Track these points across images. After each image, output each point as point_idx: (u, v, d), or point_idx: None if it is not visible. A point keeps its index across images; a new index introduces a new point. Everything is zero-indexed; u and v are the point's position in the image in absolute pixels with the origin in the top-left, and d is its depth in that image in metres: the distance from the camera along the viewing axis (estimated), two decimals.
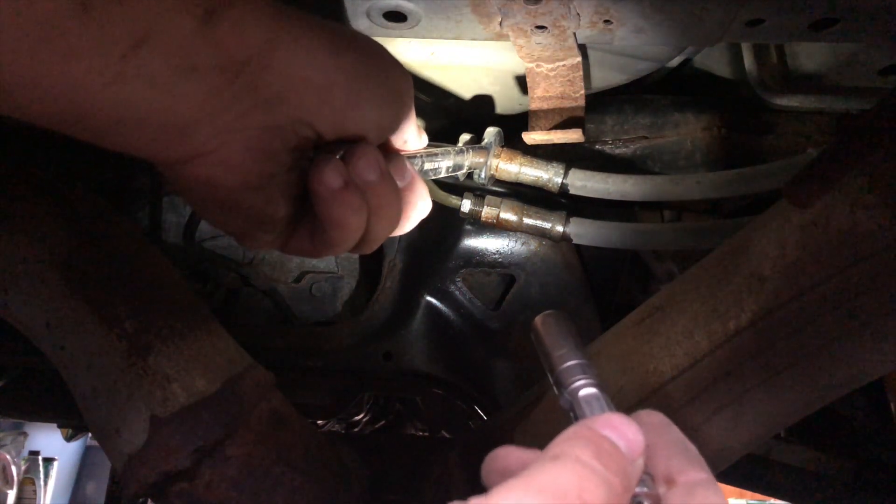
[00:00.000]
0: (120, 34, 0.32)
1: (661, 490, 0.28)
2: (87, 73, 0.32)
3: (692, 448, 0.30)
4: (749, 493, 0.92)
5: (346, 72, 0.40)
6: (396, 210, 0.44)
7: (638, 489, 0.27)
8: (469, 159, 0.63)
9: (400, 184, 0.45)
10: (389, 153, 0.46)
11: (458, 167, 0.59)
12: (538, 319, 0.34)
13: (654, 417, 0.31)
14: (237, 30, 0.36)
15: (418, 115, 0.66)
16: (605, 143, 0.74)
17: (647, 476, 0.28)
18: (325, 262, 0.96)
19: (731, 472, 0.87)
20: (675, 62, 0.74)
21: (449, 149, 0.58)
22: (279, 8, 0.38)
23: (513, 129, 0.69)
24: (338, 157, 0.42)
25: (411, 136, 0.49)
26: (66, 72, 0.32)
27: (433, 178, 0.55)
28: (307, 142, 0.41)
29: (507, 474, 0.28)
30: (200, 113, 0.36)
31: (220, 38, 0.35)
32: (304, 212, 0.43)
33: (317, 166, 0.41)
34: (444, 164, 0.55)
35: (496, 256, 0.83)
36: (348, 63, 0.40)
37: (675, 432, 0.30)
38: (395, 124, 0.45)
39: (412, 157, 0.50)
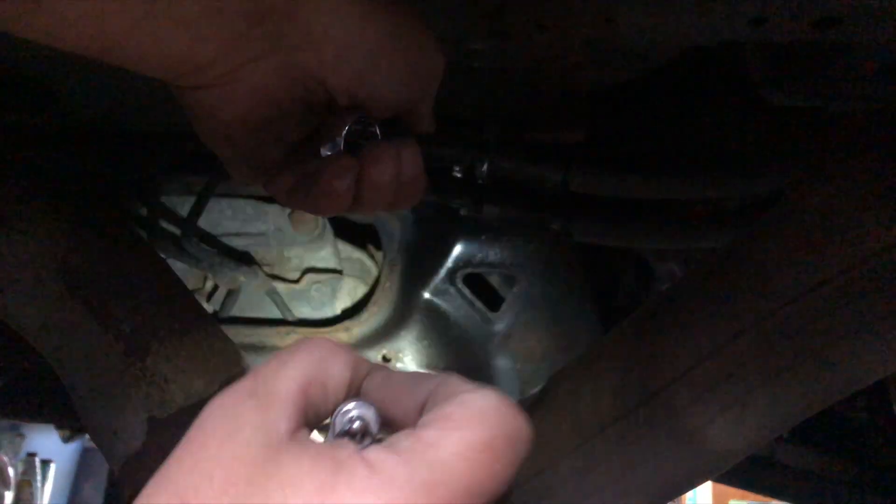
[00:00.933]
0: None
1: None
2: (117, 13, 0.33)
3: (421, 373, 0.31)
4: (752, 494, 0.91)
5: (372, 38, 0.39)
6: (388, 200, 0.44)
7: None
8: (468, 155, 0.63)
9: (404, 178, 0.44)
10: (406, 140, 0.44)
11: (459, 160, 0.59)
12: None
13: (376, 375, 0.31)
14: None
15: None
16: (605, 142, 0.74)
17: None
18: (325, 262, 0.96)
19: (734, 474, 0.86)
20: (675, 61, 0.74)
21: (450, 139, 0.58)
22: None
23: (513, 128, 0.69)
24: (346, 131, 0.41)
25: (426, 119, 0.47)
26: (97, 11, 0.32)
27: (434, 165, 0.55)
28: (316, 98, 0.41)
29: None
30: (218, 52, 0.36)
31: None
32: (293, 162, 0.43)
33: (337, 165, 0.41)
34: (448, 154, 0.55)
35: (496, 256, 0.83)
36: (377, 29, 0.39)
37: (401, 374, 0.31)
38: (411, 102, 0.44)
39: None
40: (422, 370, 0.30)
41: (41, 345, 0.64)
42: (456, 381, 0.28)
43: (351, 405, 0.28)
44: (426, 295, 0.86)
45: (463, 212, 0.75)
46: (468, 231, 0.83)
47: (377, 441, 0.28)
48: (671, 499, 0.61)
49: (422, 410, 0.28)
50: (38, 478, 2.68)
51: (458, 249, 0.84)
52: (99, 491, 2.84)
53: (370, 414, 0.28)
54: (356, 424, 0.28)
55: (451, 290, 0.85)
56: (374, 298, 0.89)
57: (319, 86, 0.40)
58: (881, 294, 0.53)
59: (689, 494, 3.26)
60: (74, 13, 0.32)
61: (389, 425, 0.30)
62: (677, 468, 0.58)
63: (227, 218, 0.93)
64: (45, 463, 2.73)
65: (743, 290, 0.56)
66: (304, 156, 0.43)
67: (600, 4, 0.49)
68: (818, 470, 0.84)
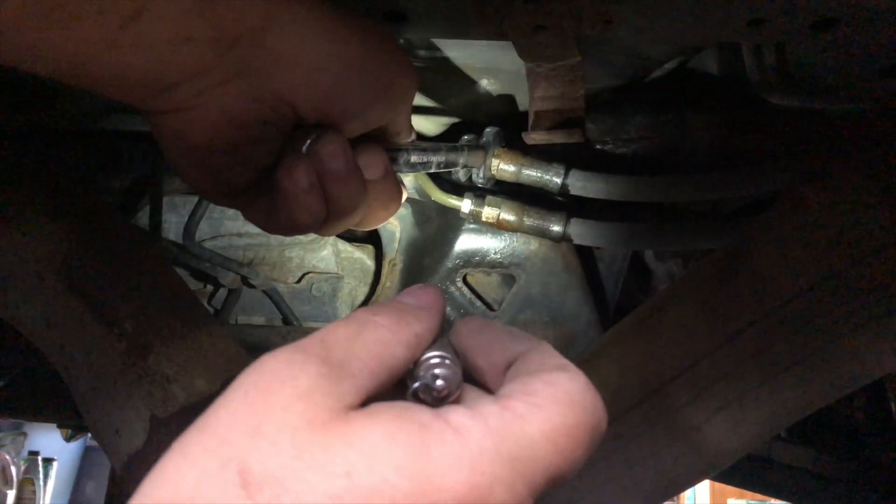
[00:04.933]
0: (120, 4, 0.33)
1: (502, 378, 0.28)
2: (85, 40, 0.33)
3: (516, 331, 0.31)
4: (749, 493, 0.92)
5: (340, 59, 0.40)
6: (358, 203, 0.44)
7: (432, 353, 0.27)
8: (465, 157, 0.63)
9: (369, 176, 0.44)
10: (368, 143, 0.45)
11: (451, 164, 0.59)
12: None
13: (472, 321, 0.32)
14: (235, 5, 0.36)
15: (419, 115, 0.65)
16: (605, 143, 0.74)
17: (448, 350, 0.28)
18: (326, 263, 0.96)
19: (732, 473, 0.87)
20: (674, 62, 0.74)
21: (440, 144, 0.58)
22: None
23: (513, 129, 0.69)
24: (306, 145, 0.41)
25: (402, 132, 0.48)
26: (66, 38, 0.32)
27: (423, 171, 0.55)
28: (285, 119, 0.41)
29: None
30: (185, 76, 0.36)
31: (218, 13, 0.35)
32: (267, 185, 0.43)
33: (287, 162, 0.41)
34: (434, 159, 0.55)
35: (496, 256, 0.83)
36: (344, 51, 0.40)
37: (497, 326, 0.31)
38: (382, 119, 0.45)
39: (398, 149, 0.50)
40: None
41: (43, 344, 0.64)
42: (546, 353, 0.28)
43: (435, 359, 0.27)
44: None
45: (463, 213, 0.75)
46: (468, 231, 0.83)
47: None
48: (669, 497, 0.61)
49: (507, 368, 0.28)
50: (41, 476, 2.69)
51: (457, 249, 0.84)
52: (101, 489, 2.85)
53: (454, 375, 0.27)
54: (438, 383, 0.27)
55: (451, 289, 0.86)
56: (374, 298, 0.89)
57: (288, 109, 0.40)
58: (879, 293, 0.53)
59: (687, 493, 3.26)
60: (42, 41, 0.32)
61: (470, 372, 0.29)
62: (675, 466, 0.58)
63: (228, 218, 0.94)
64: (48, 461, 2.73)
65: (741, 290, 0.57)
66: (273, 180, 0.43)
67: (599, 5, 0.49)
68: (815, 469, 0.85)
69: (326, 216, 0.43)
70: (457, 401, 0.27)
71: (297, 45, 0.38)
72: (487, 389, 0.29)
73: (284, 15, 0.38)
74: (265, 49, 0.37)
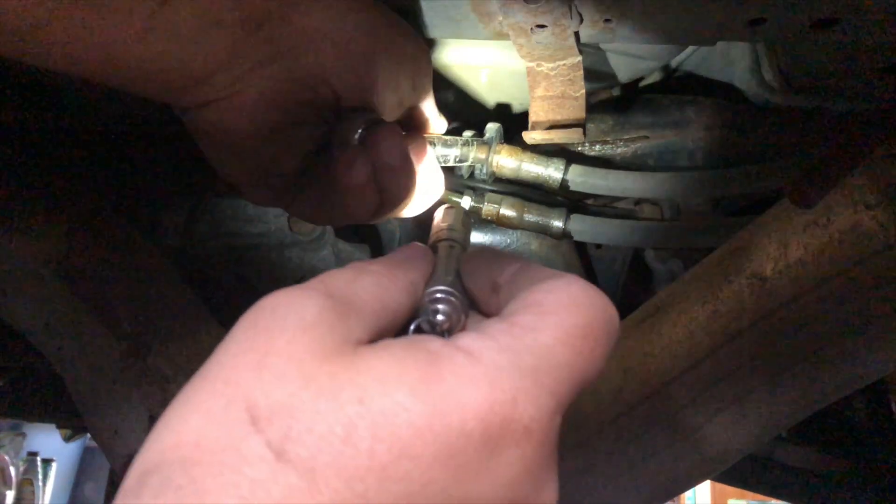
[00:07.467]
0: None
1: (493, 299, 0.28)
2: (117, 30, 0.33)
3: (504, 253, 0.31)
4: (750, 493, 0.92)
5: (365, 29, 0.40)
6: (409, 191, 0.44)
7: (432, 288, 0.28)
8: (473, 152, 0.64)
9: (416, 164, 0.44)
10: (412, 133, 0.46)
11: (463, 158, 0.60)
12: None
13: (473, 250, 0.33)
14: None
15: None
16: (606, 142, 0.74)
17: (448, 290, 0.28)
18: (326, 263, 0.96)
19: (733, 473, 0.87)
20: (675, 62, 0.74)
21: (457, 138, 0.59)
22: None
23: (513, 128, 0.69)
24: (358, 134, 0.41)
25: (432, 116, 0.49)
26: (97, 28, 0.32)
27: (442, 165, 0.56)
28: (322, 98, 0.41)
29: None
30: (219, 62, 0.36)
31: None
32: (312, 175, 0.43)
33: (345, 157, 0.41)
34: (452, 153, 0.56)
35: None
36: (367, 21, 0.40)
37: (487, 250, 0.31)
38: (413, 91, 0.45)
39: (429, 140, 0.51)
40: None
41: (43, 345, 0.64)
42: (537, 267, 0.27)
43: (438, 294, 0.27)
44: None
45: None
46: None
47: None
48: (670, 498, 0.61)
49: (495, 287, 0.28)
50: (40, 477, 2.69)
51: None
52: (100, 490, 2.85)
53: (454, 309, 0.27)
54: (439, 318, 0.27)
55: None
56: None
57: (324, 86, 0.40)
58: (879, 294, 0.53)
59: (687, 493, 3.26)
60: (72, 34, 0.32)
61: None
62: (676, 466, 0.58)
63: (227, 217, 0.93)
64: (47, 462, 2.73)
65: (741, 290, 0.57)
66: (322, 170, 0.43)
67: (599, 5, 0.49)
68: (817, 469, 0.85)
69: (379, 205, 0.43)
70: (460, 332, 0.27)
71: (324, 19, 0.39)
72: (483, 314, 0.29)
73: None
74: (293, 26, 0.38)
